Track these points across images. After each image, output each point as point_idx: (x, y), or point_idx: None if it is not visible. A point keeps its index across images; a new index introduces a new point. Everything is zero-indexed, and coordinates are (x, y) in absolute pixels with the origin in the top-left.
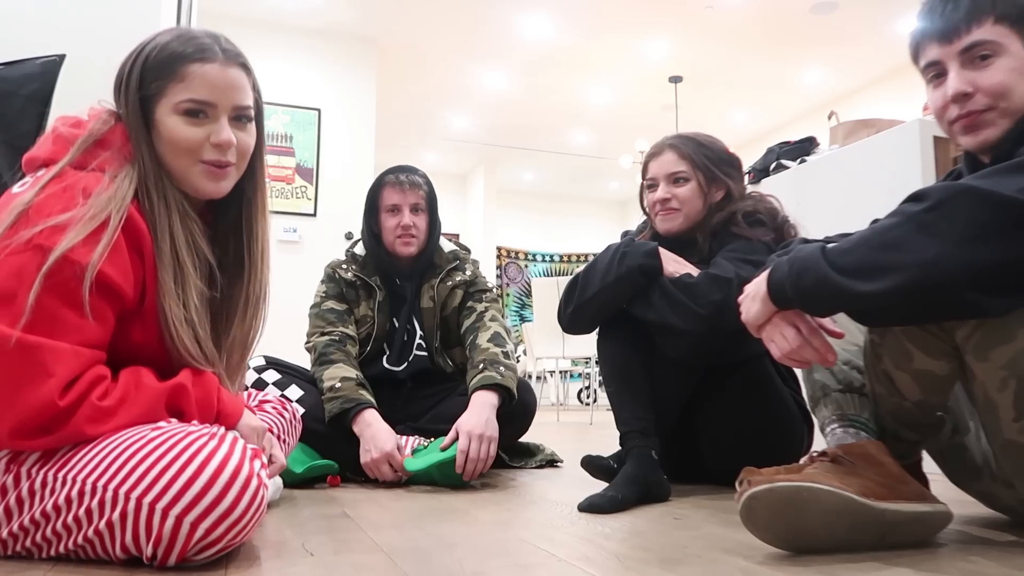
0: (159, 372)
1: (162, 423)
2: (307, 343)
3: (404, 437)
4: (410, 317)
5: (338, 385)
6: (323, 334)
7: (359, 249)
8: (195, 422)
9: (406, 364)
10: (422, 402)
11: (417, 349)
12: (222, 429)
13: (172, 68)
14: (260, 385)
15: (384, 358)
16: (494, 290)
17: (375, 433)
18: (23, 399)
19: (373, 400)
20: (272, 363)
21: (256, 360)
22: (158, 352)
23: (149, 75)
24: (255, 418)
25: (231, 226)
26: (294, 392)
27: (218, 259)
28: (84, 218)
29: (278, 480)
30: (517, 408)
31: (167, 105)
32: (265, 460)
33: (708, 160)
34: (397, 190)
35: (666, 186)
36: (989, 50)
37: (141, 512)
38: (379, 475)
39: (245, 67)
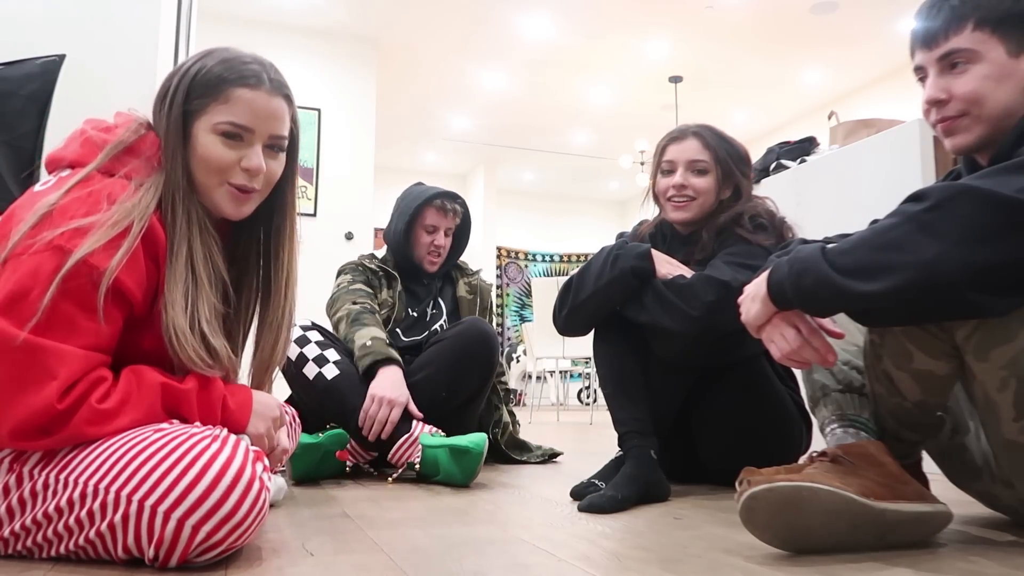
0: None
1: (164, 424)
2: (336, 316)
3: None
4: (438, 303)
5: (368, 343)
6: (354, 303)
7: (379, 253)
8: (197, 424)
9: (426, 333)
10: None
11: (439, 327)
12: (225, 431)
13: (219, 88)
14: (303, 341)
15: (402, 331)
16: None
17: (395, 381)
18: (24, 400)
19: (400, 360)
20: (317, 327)
21: (303, 320)
22: (167, 359)
23: (195, 91)
24: (270, 396)
25: (253, 249)
26: (333, 354)
27: (233, 278)
28: (106, 224)
29: (281, 481)
30: (476, 337)
31: (207, 123)
32: (277, 429)
33: (728, 155)
34: (440, 214)
35: (684, 173)
36: (964, 58)
37: (143, 515)
38: (375, 418)
39: (288, 98)
